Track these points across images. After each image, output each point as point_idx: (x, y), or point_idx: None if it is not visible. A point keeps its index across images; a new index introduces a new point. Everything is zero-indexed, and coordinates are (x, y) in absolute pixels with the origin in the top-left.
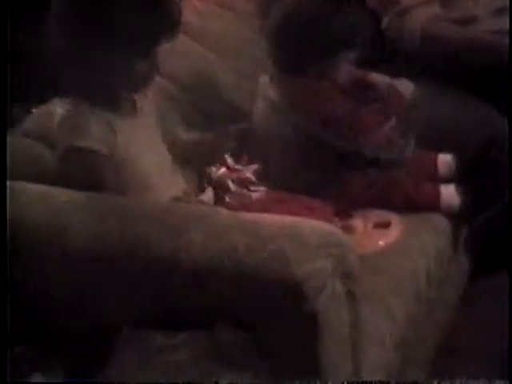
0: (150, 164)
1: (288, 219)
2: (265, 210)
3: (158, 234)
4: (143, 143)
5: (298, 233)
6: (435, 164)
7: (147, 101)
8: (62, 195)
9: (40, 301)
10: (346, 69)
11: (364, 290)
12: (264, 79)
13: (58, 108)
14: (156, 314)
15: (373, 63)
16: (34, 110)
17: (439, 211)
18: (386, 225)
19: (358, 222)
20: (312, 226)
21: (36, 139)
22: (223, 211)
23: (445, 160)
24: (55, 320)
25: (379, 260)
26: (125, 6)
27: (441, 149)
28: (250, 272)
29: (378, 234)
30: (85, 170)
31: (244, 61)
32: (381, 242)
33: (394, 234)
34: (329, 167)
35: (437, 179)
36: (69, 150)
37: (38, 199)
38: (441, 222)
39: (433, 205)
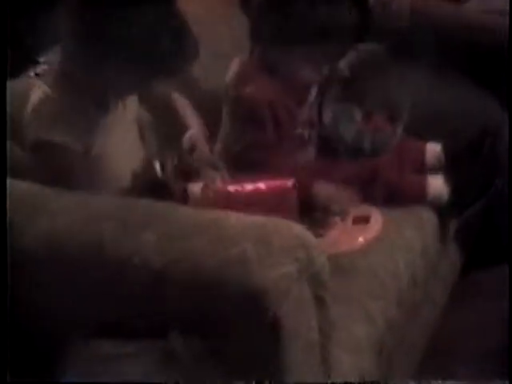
0: (123, 160)
1: (252, 219)
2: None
3: (112, 233)
4: (121, 139)
5: (261, 234)
6: (423, 153)
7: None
8: (18, 187)
9: None
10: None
11: (340, 292)
12: (235, 62)
13: (36, 89)
14: (107, 320)
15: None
16: None
17: (425, 203)
18: (365, 219)
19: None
20: (278, 226)
21: None
22: (182, 209)
23: (433, 149)
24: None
25: (357, 258)
26: (146, 33)
27: (431, 136)
28: (208, 276)
29: (357, 230)
30: (54, 166)
31: (222, 41)
32: (360, 239)
33: (374, 229)
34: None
35: (424, 170)
36: (38, 143)
37: None
38: (427, 215)
39: (419, 196)
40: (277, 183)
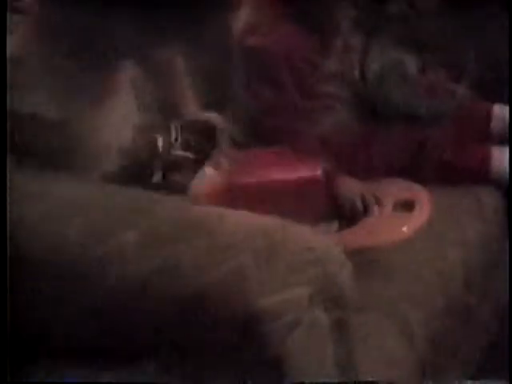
0: (113, 134)
1: (255, 222)
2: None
3: (79, 232)
4: (112, 108)
5: (265, 245)
6: (488, 118)
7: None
8: None
9: None
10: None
11: (371, 297)
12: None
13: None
14: (76, 340)
15: None
16: None
17: (488, 181)
18: (410, 204)
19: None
20: (287, 234)
21: None
22: (170, 202)
23: (501, 112)
24: None
25: (395, 253)
26: None
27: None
28: (196, 294)
29: (399, 218)
30: (25, 139)
31: None
32: (404, 229)
33: (421, 216)
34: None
35: (489, 138)
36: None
37: None
38: (490, 197)
39: (480, 172)
40: (303, 174)
